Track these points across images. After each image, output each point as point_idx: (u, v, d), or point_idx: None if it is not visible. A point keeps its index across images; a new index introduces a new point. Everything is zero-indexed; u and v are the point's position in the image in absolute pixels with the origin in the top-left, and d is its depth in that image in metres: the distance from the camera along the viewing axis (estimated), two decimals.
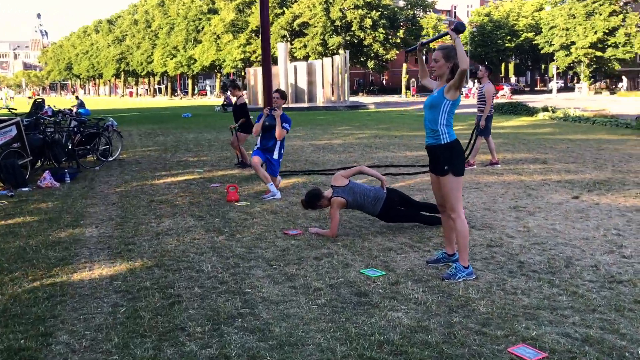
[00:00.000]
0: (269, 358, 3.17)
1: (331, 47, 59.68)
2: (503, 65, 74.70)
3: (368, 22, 58.43)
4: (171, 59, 76.25)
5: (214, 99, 65.08)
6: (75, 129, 11.37)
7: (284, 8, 63.25)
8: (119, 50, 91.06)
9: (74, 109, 16.36)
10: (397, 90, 69.14)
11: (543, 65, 75.21)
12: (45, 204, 7.68)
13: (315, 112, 31.06)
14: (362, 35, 59.59)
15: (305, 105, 36.00)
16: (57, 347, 3.37)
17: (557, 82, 62.02)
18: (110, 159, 11.91)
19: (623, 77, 54.99)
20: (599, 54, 51.46)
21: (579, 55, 52.14)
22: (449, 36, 4.31)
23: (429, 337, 3.37)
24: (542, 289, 4.11)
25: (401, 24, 63.58)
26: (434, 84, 4.59)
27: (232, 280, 4.44)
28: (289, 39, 60.97)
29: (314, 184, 8.49)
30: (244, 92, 31.90)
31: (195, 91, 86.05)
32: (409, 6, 64.18)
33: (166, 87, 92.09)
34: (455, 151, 4.41)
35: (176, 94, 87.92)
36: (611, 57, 51.65)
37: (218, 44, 67.00)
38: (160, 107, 44.76)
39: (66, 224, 6.47)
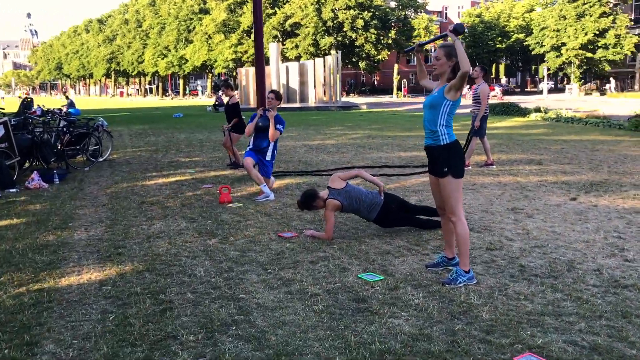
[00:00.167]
0: None
1: (323, 48, 59.56)
2: (494, 66, 74.86)
3: (360, 22, 58.37)
4: (162, 58, 75.84)
5: (205, 99, 64.83)
6: (65, 129, 11.17)
7: (276, 8, 63.07)
8: (110, 50, 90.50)
9: (64, 109, 16.12)
10: (388, 91, 69.13)
11: (534, 67, 75.41)
12: (33, 206, 7.50)
13: (307, 113, 30.99)
14: (353, 35, 59.52)
15: (298, 105, 35.93)
16: (43, 357, 3.22)
17: (548, 83, 62.11)
18: (100, 159, 11.74)
19: (611, 79, 55.16)
20: (589, 55, 51.59)
21: (569, 57, 52.25)
22: (448, 37, 4.20)
23: (432, 346, 3.24)
24: (546, 294, 3.99)
25: (393, 24, 63.56)
26: (434, 84, 4.48)
27: (226, 285, 4.30)
28: (281, 39, 60.82)
29: (308, 185, 8.35)
30: (236, 92, 31.73)
31: (187, 91, 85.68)
32: (400, 7, 64.21)
33: (157, 87, 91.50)
34: (454, 152, 4.29)
35: (167, 94, 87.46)
36: (601, 59, 51.83)
37: (209, 44, 66.70)
38: (151, 107, 44.44)
39: (54, 227, 6.29)
